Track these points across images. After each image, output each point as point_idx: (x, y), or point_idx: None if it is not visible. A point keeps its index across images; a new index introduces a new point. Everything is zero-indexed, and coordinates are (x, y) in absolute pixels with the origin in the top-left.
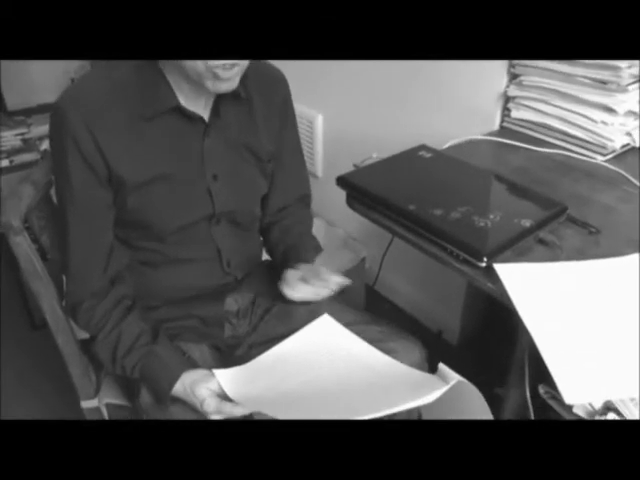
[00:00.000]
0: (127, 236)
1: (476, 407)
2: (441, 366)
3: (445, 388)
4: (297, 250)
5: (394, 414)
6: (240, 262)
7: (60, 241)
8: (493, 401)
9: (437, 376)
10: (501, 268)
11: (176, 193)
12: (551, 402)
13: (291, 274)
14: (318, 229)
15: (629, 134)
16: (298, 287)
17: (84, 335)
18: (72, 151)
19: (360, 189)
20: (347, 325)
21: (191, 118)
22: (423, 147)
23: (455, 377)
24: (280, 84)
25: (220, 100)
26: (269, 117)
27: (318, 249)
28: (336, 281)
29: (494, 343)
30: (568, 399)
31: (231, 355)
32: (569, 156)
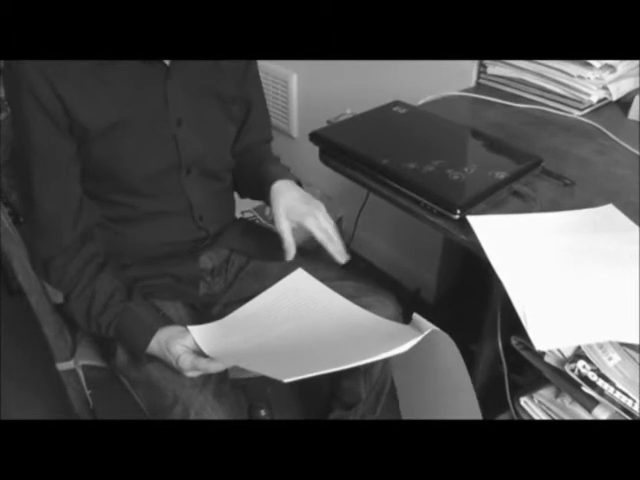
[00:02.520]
0: (96, 190)
1: (450, 357)
2: (415, 316)
3: (419, 337)
4: (267, 169)
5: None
6: (213, 216)
7: (25, 196)
8: (468, 357)
9: (411, 326)
10: (474, 220)
11: (140, 140)
12: (524, 353)
13: (283, 206)
14: None
15: (605, 88)
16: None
17: (59, 300)
18: (29, 100)
19: (333, 144)
20: (322, 280)
21: (151, 61)
22: (397, 103)
23: (429, 327)
24: None
25: None
26: (234, 60)
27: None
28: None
29: (470, 300)
30: (538, 345)
31: (206, 314)
32: (546, 111)
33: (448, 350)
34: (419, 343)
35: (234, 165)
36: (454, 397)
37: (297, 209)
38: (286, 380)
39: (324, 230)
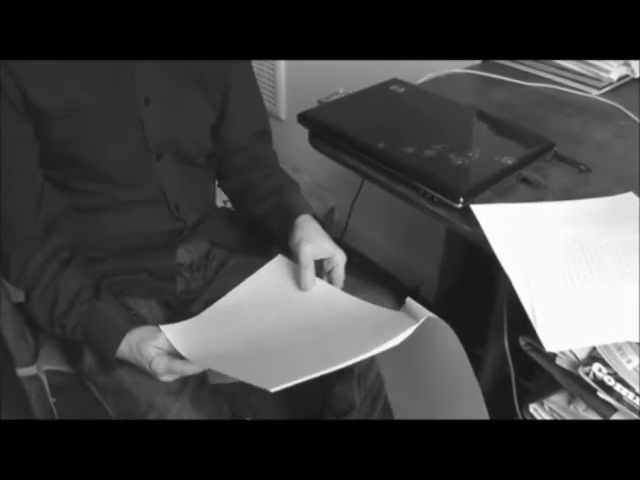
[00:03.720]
0: (60, 176)
1: (449, 349)
2: (409, 301)
3: (413, 327)
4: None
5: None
6: (190, 205)
7: None
8: (472, 360)
9: (404, 312)
10: (479, 209)
11: (103, 122)
12: (533, 355)
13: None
14: None
15: (627, 64)
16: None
17: (20, 298)
18: None
19: (324, 126)
20: None
21: None
22: (395, 81)
23: (425, 313)
24: None
25: None
26: None
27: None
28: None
29: (474, 298)
30: (548, 346)
31: (184, 312)
32: (560, 90)
33: (447, 340)
34: (413, 333)
35: (231, 167)
36: (455, 394)
37: (327, 243)
38: (273, 389)
39: (338, 276)
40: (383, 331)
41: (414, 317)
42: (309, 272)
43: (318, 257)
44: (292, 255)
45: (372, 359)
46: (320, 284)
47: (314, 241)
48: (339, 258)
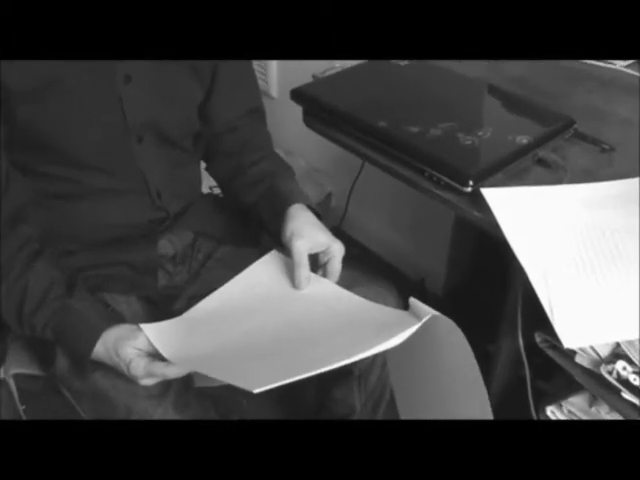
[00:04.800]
0: (29, 161)
1: (455, 348)
2: (412, 300)
3: (416, 325)
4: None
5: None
6: (173, 193)
7: None
8: (483, 359)
9: (407, 312)
10: (490, 193)
11: (79, 100)
12: (550, 352)
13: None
14: None
15: None
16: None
17: None
18: None
19: (320, 103)
20: None
21: None
22: None
23: (428, 312)
24: None
25: None
26: None
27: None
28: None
29: (486, 291)
30: (567, 342)
31: (167, 309)
32: (581, 62)
33: (453, 339)
34: (417, 332)
35: (219, 149)
36: (461, 393)
37: (322, 234)
38: (256, 390)
39: (334, 268)
40: (381, 331)
41: (417, 316)
42: (303, 270)
43: (312, 251)
44: (285, 248)
45: (374, 359)
46: (316, 280)
47: (307, 234)
48: (336, 249)
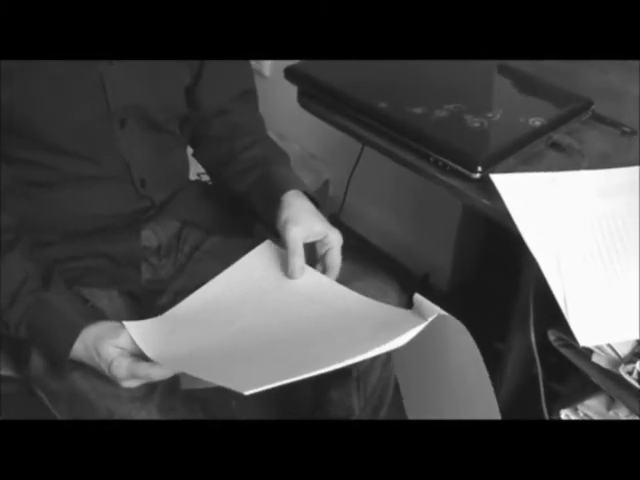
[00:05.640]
0: (3, 146)
1: (462, 348)
2: (417, 297)
3: (421, 326)
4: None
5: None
6: (158, 180)
7: None
8: (492, 358)
9: (411, 310)
10: (500, 179)
11: (57, 81)
12: (564, 351)
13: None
14: None
15: None
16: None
17: None
18: None
19: (316, 82)
20: None
21: None
22: None
23: (434, 310)
24: None
25: None
26: None
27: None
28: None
29: (495, 285)
30: (583, 340)
31: (151, 305)
32: None
33: (460, 340)
34: (422, 330)
35: (208, 134)
36: (468, 395)
37: (319, 222)
38: (247, 392)
39: (333, 260)
40: (383, 331)
41: (421, 314)
42: (297, 258)
43: (308, 240)
44: (279, 238)
45: (374, 358)
46: (312, 275)
47: (303, 222)
48: (333, 239)
